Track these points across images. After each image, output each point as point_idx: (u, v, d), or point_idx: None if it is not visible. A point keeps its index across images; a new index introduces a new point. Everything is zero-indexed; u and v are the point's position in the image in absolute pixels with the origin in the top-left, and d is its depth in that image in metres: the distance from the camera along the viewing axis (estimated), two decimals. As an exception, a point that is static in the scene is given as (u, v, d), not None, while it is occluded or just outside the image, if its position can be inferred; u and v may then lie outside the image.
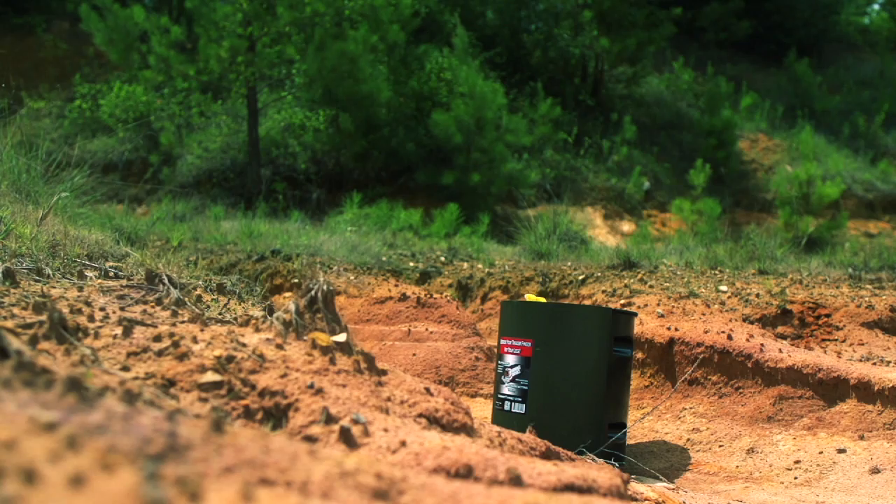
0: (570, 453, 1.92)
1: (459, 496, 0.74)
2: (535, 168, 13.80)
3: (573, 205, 13.10)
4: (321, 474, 0.72)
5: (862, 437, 2.82)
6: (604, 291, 4.89)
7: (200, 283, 2.43)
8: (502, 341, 2.90)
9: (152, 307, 1.72)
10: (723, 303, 4.28)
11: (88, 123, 13.77)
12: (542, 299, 3.12)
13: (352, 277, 5.29)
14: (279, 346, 1.36)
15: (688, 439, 3.23)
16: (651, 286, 4.82)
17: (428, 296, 4.55)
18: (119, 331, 1.40)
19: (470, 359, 4.13)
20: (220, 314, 1.88)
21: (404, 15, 13.23)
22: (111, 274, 2.20)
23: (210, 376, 1.23)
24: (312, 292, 1.51)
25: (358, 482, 0.73)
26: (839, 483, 2.63)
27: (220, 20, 12.10)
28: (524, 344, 2.80)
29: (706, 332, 3.61)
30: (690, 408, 3.44)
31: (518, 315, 2.93)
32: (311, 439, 1.13)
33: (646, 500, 2.03)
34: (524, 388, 2.77)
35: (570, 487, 1.02)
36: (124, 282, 2.04)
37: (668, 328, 3.78)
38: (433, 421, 1.31)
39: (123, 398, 0.98)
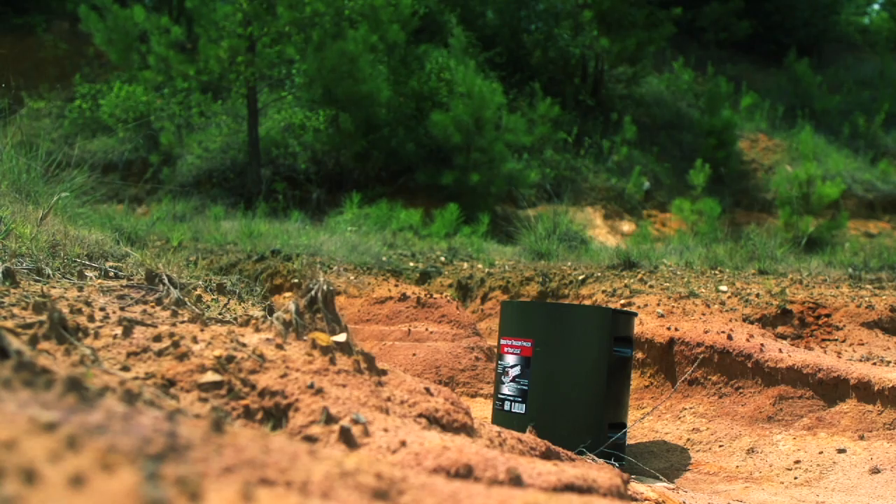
0: (570, 453, 1.92)
1: (459, 496, 0.74)
2: (535, 168, 13.80)
3: (573, 205, 13.11)
4: (321, 474, 0.72)
5: (862, 437, 2.82)
6: (604, 291, 4.89)
7: (200, 283, 2.42)
8: (502, 341, 2.90)
9: (152, 307, 1.72)
10: (723, 303, 4.28)
11: (88, 123, 13.78)
12: None
13: (352, 277, 5.29)
14: (279, 346, 1.36)
15: (688, 439, 3.23)
16: (651, 286, 4.82)
17: (428, 296, 4.55)
18: (119, 331, 1.40)
19: (470, 359, 4.13)
20: (220, 314, 1.88)
21: (404, 15, 13.23)
22: (111, 274, 2.20)
23: (210, 376, 1.23)
24: (312, 292, 1.51)
25: (358, 482, 0.73)
26: (839, 483, 2.63)
27: (220, 20, 12.10)
28: (524, 344, 2.80)
29: (706, 332, 3.61)
30: (690, 408, 3.44)
31: (518, 315, 2.93)
32: (311, 439, 1.13)
33: (646, 500, 2.03)
34: (524, 388, 2.77)
35: (570, 487, 1.02)
36: (124, 282, 2.04)
37: (668, 328, 3.78)
38: (433, 421, 1.31)
39: (123, 398, 0.98)
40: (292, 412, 1.19)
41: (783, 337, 3.99)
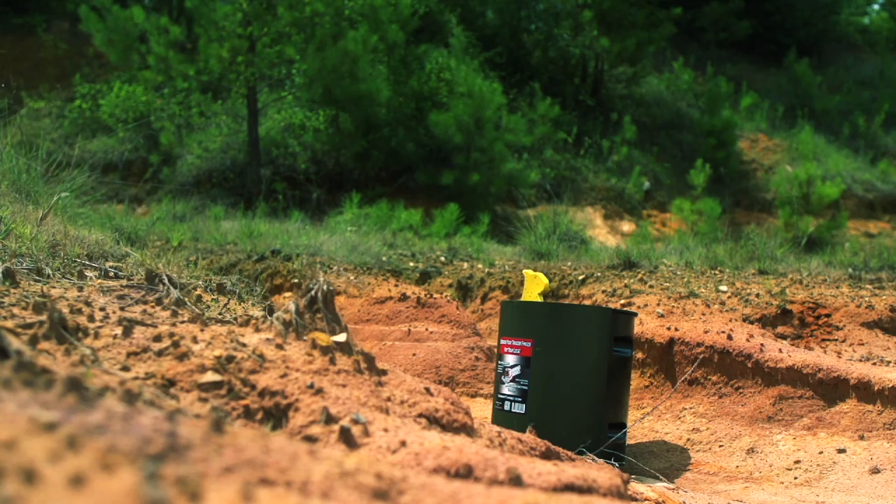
0: (570, 453, 1.92)
1: (459, 496, 0.74)
2: (535, 168, 13.80)
3: (573, 205, 13.11)
4: (321, 474, 0.72)
5: (862, 437, 2.82)
6: (604, 291, 4.89)
7: (200, 283, 2.42)
8: (502, 341, 2.90)
9: (152, 307, 1.72)
10: (723, 303, 4.28)
11: (88, 123, 13.78)
12: (542, 275, 3.10)
13: (352, 277, 5.29)
14: (279, 346, 1.36)
15: (688, 439, 3.23)
16: (651, 286, 4.82)
17: (428, 296, 4.55)
18: (119, 331, 1.40)
19: (470, 359, 4.13)
20: (220, 314, 1.88)
21: (404, 15, 13.24)
22: (111, 274, 2.20)
23: (210, 376, 1.23)
24: (312, 292, 1.51)
25: (358, 482, 0.73)
26: (839, 483, 2.63)
27: (220, 20, 12.10)
28: (524, 344, 2.80)
29: (706, 332, 3.61)
30: (690, 408, 3.44)
31: (518, 315, 2.93)
32: (311, 439, 1.13)
33: (646, 500, 2.03)
34: (524, 388, 2.77)
35: (570, 487, 1.02)
36: (124, 282, 2.04)
37: (668, 328, 3.78)
38: (433, 421, 1.31)
39: (123, 398, 0.98)
40: (292, 412, 1.19)
41: (783, 337, 3.99)
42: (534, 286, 3.08)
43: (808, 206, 12.51)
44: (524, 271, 3.21)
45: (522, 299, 3.15)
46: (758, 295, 4.38)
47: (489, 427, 1.50)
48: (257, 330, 1.48)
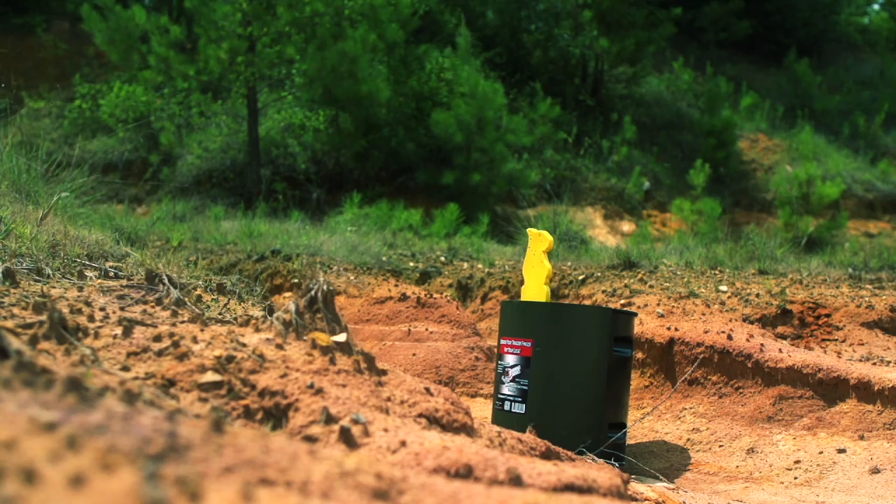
0: (570, 453, 1.92)
1: (459, 496, 0.74)
2: (535, 168, 13.80)
3: (573, 205, 13.11)
4: (321, 474, 0.72)
5: (862, 437, 2.82)
6: (604, 291, 4.89)
7: (200, 283, 2.42)
8: (502, 341, 2.90)
9: (152, 307, 1.72)
10: (723, 303, 4.28)
11: (88, 123, 13.78)
12: (546, 233, 3.07)
13: (352, 277, 5.29)
14: (279, 346, 1.36)
15: (688, 439, 3.23)
16: (651, 286, 4.82)
17: (428, 296, 4.55)
18: (119, 331, 1.40)
19: (470, 359, 4.13)
20: (220, 314, 1.88)
21: (404, 14, 13.24)
22: (111, 274, 2.20)
23: (210, 376, 1.23)
24: (312, 292, 1.51)
25: (358, 482, 0.73)
26: (839, 483, 2.63)
27: (219, 20, 12.11)
28: (524, 344, 2.80)
29: (706, 332, 3.61)
30: (690, 408, 3.44)
31: (518, 315, 2.93)
32: (311, 439, 1.13)
33: (646, 500, 2.03)
34: (524, 388, 2.77)
35: (570, 487, 1.02)
36: (124, 282, 2.04)
37: (668, 328, 3.78)
38: (433, 421, 1.31)
39: (123, 398, 0.98)
40: (292, 412, 1.19)
41: (783, 337, 3.99)
42: (538, 244, 3.04)
43: (808, 206, 12.52)
44: (528, 230, 3.16)
45: (526, 258, 3.11)
46: (758, 295, 4.38)
47: (489, 427, 1.50)
48: (257, 330, 1.48)
